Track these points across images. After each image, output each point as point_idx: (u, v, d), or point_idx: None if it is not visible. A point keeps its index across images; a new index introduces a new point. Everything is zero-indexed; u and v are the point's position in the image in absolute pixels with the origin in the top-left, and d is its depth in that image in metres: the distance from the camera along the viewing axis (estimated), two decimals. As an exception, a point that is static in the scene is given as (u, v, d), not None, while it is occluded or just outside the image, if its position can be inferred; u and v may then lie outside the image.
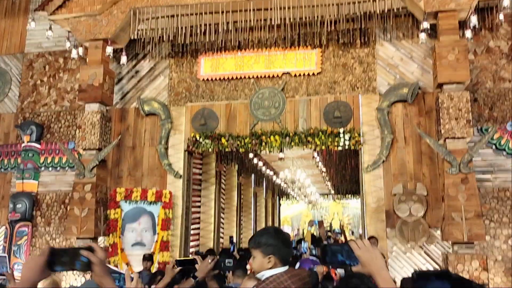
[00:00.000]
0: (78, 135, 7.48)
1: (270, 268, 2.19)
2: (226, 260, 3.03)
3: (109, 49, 7.49)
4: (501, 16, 6.91)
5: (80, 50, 7.86)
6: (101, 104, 7.56)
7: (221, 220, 10.82)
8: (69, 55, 8.30)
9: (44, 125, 8.56)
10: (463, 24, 6.77)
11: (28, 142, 8.31)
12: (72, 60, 8.57)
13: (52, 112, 8.63)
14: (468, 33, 6.76)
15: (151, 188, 7.74)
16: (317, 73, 7.71)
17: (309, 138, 7.45)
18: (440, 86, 6.58)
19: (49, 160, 8.34)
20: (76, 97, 8.18)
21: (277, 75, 7.85)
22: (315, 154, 12.68)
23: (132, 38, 7.74)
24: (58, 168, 8.33)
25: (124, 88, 8.38)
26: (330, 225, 23.13)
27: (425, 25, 6.63)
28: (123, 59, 7.87)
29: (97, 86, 7.41)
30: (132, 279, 1.77)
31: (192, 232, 8.41)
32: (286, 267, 2.21)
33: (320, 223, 13.48)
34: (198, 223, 9.35)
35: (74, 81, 8.58)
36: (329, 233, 18.09)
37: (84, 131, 7.39)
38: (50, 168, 8.36)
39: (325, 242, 7.08)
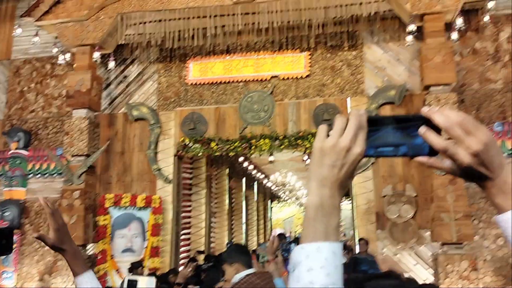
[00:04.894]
0: (66, 141, 7.42)
1: (237, 273, 2.78)
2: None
3: (97, 55, 7.45)
4: (487, 18, 6.97)
5: (67, 55, 7.82)
6: (89, 110, 7.51)
7: (212, 224, 10.78)
8: (56, 61, 8.24)
9: (31, 131, 8.48)
10: (449, 26, 6.82)
11: (15, 149, 8.23)
12: (59, 66, 8.51)
13: (40, 119, 8.55)
14: (454, 35, 6.81)
15: (141, 193, 7.70)
16: (306, 76, 7.73)
17: (299, 141, 7.46)
18: (427, 88, 6.63)
19: (37, 167, 8.26)
20: (64, 103, 8.12)
21: (266, 79, 7.85)
22: (305, 157, 12.69)
23: (119, 43, 7.71)
24: (46, 175, 8.25)
25: (112, 94, 8.33)
26: None
27: (412, 27, 6.68)
28: (111, 64, 7.84)
29: (84, 92, 7.37)
30: None
31: (182, 237, 8.37)
32: (253, 269, 2.83)
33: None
34: (189, 228, 9.31)
35: (61, 87, 8.52)
36: None
37: (72, 137, 7.34)
38: (38, 175, 8.28)
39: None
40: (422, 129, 0.75)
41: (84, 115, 7.44)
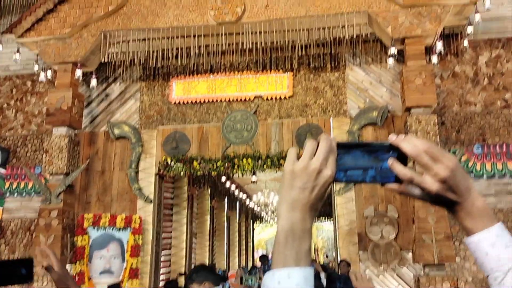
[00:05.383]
0: (45, 159, 7.28)
1: None
2: None
3: (79, 72, 7.39)
4: (466, 42, 7.13)
5: (49, 73, 7.73)
6: (69, 127, 7.41)
7: (193, 245, 10.62)
8: (37, 78, 8.14)
9: (10, 149, 8.31)
10: (429, 50, 6.95)
11: (-8, 167, 8.05)
12: (40, 84, 8.41)
13: (19, 136, 8.40)
14: (434, 59, 6.95)
15: (121, 213, 7.55)
16: (289, 97, 7.76)
17: (282, 161, 7.44)
18: (408, 109, 6.71)
19: (14, 185, 8.08)
20: (44, 121, 7.99)
21: (249, 98, 7.86)
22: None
23: (102, 61, 7.66)
24: (24, 194, 8.07)
25: (94, 112, 8.24)
26: None
27: (393, 50, 6.78)
28: (93, 82, 7.77)
29: (65, 109, 7.27)
30: None
31: (163, 258, 8.22)
32: (221, 286, 3.00)
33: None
34: (170, 248, 9.16)
35: (42, 105, 8.40)
36: None
37: (51, 155, 7.21)
38: (16, 194, 8.09)
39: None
40: (390, 161, 0.78)
41: (64, 133, 7.33)
